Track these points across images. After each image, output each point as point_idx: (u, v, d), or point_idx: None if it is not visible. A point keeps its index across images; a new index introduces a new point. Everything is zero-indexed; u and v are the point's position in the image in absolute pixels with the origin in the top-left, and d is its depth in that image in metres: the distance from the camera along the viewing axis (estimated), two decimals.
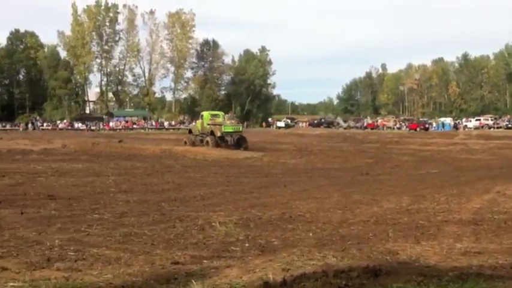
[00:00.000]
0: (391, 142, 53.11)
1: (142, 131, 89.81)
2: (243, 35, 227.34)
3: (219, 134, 39.60)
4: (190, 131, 45.51)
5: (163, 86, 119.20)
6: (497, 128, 79.38)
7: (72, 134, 73.09)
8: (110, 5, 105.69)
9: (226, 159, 30.42)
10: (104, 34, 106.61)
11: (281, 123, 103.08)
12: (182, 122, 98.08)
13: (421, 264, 7.62)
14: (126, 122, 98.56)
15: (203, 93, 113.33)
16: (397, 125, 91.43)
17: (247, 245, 9.10)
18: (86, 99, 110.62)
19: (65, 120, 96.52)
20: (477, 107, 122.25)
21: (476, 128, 79.85)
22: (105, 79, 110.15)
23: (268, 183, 19.34)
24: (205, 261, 7.91)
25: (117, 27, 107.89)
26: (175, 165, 26.71)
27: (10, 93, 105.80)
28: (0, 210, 12.38)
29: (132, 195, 15.42)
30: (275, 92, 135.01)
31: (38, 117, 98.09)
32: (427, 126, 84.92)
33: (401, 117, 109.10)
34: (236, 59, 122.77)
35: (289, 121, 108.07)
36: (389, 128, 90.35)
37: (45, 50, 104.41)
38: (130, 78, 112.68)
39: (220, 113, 47.07)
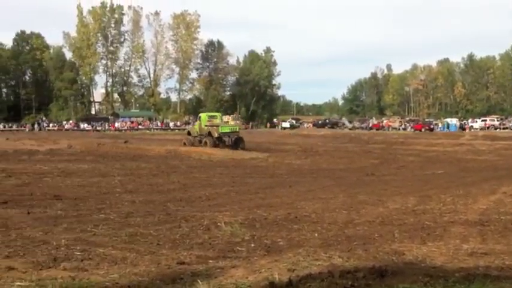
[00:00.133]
0: (396, 143, 53.01)
1: (148, 131, 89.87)
2: (248, 36, 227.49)
3: (216, 135, 40.23)
4: (189, 133, 46.02)
5: (169, 87, 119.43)
6: (504, 128, 79.09)
7: (78, 134, 73.20)
8: (115, 6, 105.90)
9: (231, 160, 30.44)
10: (109, 35, 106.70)
11: (286, 124, 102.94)
12: (187, 123, 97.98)
13: (427, 265, 7.60)
14: (132, 122, 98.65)
15: (208, 94, 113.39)
16: (402, 126, 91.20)
17: (252, 245, 9.10)
18: (92, 100, 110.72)
19: (70, 121, 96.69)
20: (483, 107, 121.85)
21: (482, 128, 79.59)
22: (110, 80, 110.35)
23: (273, 184, 19.35)
24: (211, 261, 7.92)
25: (122, 29, 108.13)
26: (180, 165, 26.74)
27: (16, 94, 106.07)
28: (7, 210, 12.44)
29: (137, 196, 15.45)
30: (280, 92, 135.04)
31: (44, 118, 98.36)
32: (432, 126, 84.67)
33: (407, 118, 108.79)
34: (241, 59, 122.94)
35: (294, 122, 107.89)
36: (395, 128, 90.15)
37: (51, 51, 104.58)
38: (135, 79, 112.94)
39: (218, 114, 48.15)
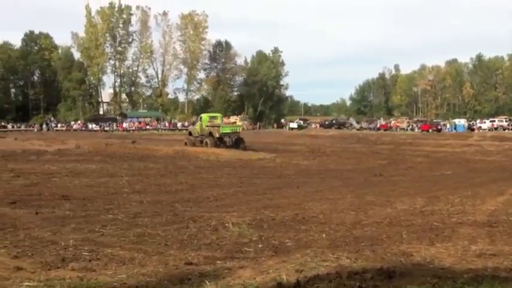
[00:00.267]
0: (404, 143, 52.86)
1: (156, 131, 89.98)
2: (255, 36, 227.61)
3: (217, 135, 40.58)
4: (190, 133, 46.40)
5: (176, 87, 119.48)
6: None
7: (86, 134, 73.38)
8: (123, 6, 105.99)
9: (238, 160, 30.44)
10: (118, 35, 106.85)
11: (294, 125, 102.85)
12: (195, 123, 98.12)
13: (435, 266, 7.58)
14: (140, 123, 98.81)
15: (216, 94, 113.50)
16: (410, 127, 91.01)
17: (260, 245, 9.10)
18: (100, 100, 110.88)
19: (79, 121, 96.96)
20: (491, 108, 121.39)
21: (490, 129, 79.29)
22: (118, 80, 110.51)
23: (281, 184, 19.34)
24: (218, 261, 7.92)
25: (131, 29, 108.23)
26: (188, 166, 26.76)
27: (25, 94, 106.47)
28: (16, 210, 12.49)
29: (145, 196, 15.48)
30: (288, 93, 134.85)
31: (52, 118, 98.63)
32: (439, 127, 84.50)
33: (415, 119, 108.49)
34: (249, 60, 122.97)
35: (301, 122, 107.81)
36: (403, 129, 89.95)
37: (59, 51, 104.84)
38: (143, 80, 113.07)
39: (218, 115, 48.40)
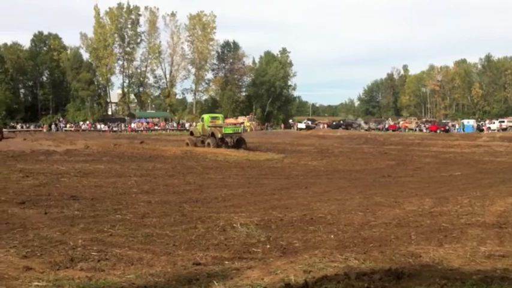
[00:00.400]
0: (413, 144, 52.73)
1: (164, 132, 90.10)
2: (263, 37, 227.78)
3: (219, 136, 41.02)
4: (191, 133, 46.79)
5: (184, 88, 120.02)
6: None
7: (95, 135, 73.62)
8: (131, 7, 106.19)
9: (247, 161, 30.44)
10: (126, 36, 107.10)
11: (302, 125, 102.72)
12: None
13: (444, 267, 7.56)
14: (148, 123, 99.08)
15: (224, 94, 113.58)
16: (418, 127, 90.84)
17: (268, 246, 9.10)
18: (108, 100, 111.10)
19: (87, 122, 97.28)
20: (500, 108, 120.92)
21: (499, 130, 78.98)
22: (127, 81, 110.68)
23: (289, 185, 19.33)
24: (226, 262, 7.93)
25: (139, 29, 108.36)
26: (196, 166, 26.78)
27: (34, 95, 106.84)
28: (25, 210, 12.55)
29: (153, 196, 15.51)
30: (296, 93, 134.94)
31: (61, 119, 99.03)
32: (447, 128, 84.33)
33: (423, 119, 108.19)
34: (257, 60, 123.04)
35: (309, 123, 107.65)
36: (411, 129, 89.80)
37: (68, 52, 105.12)
38: (151, 80, 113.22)
39: (220, 116, 48.84)
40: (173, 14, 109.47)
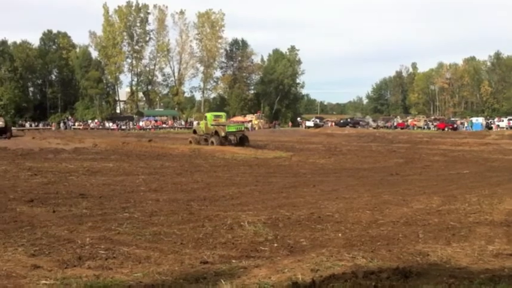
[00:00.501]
0: (421, 142, 52.56)
1: (172, 130, 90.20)
2: (272, 35, 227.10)
3: (223, 134, 41.33)
4: (194, 131, 47.29)
5: (193, 86, 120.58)
6: None
7: (103, 133, 73.83)
8: (140, 5, 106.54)
9: (255, 159, 30.43)
10: (135, 34, 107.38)
11: (310, 123, 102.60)
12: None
13: (452, 266, 7.54)
14: (156, 121, 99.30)
15: (232, 92, 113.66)
16: (426, 125, 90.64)
17: (276, 245, 9.11)
18: (117, 98, 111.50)
19: (96, 120, 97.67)
20: (510, 106, 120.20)
21: (508, 127, 78.67)
22: (135, 79, 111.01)
23: (297, 183, 19.31)
24: (234, 260, 7.94)
25: (148, 28, 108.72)
26: (204, 164, 26.81)
27: (43, 93, 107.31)
28: (33, 208, 12.60)
29: (161, 194, 15.54)
30: (304, 91, 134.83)
31: (69, 117, 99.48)
32: (455, 126, 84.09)
33: (432, 117, 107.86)
34: (265, 58, 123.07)
35: (318, 121, 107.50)
36: (420, 127, 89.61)
37: (77, 50, 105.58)
38: (160, 78, 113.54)
39: (223, 114, 49.45)
40: (182, 12, 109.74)
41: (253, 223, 10.75)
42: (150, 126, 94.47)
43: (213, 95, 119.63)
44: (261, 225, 10.57)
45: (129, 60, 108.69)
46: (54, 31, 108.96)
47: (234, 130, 42.54)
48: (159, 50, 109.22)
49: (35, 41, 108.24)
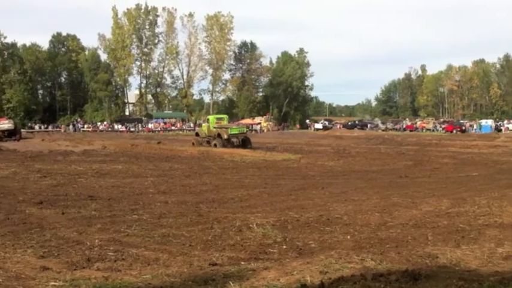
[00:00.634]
0: (430, 144, 52.39)
1: (181, 132, 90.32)
2: (280, 37, 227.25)
3: (225, 136, 41.83)
4: (197, 134, 47.96)
5: (202, 88, 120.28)
6: None
7: (112, 135, 74.01)
8: (149, 8, 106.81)
9: (263, 161, 30.43)
10: (144, 37, 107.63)
11: (319, 125, 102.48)
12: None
13: (461, 269, 7.51)
14: (165, 123, 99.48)
15: (241, 95, 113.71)
16: (435, 127, 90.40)
17: (284, 247, 9.10)
18: (126, 101, 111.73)
19: (105, 122, 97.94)
20: None
21: None
22: (144, 81, 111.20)
23: (305, 185, 19.29)
24: (242, 262, 7.93)
25: (157, 30, 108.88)
26: (213, 166, 26.83)
27: (52, 96, 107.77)
28: (42, 210, 12.65)
29: (170, 196, 15.56)
30: (313, 94, 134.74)
31: (79, 119, 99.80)
32: (463, 128, 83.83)
33: (441, 119, 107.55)
34: (274, 61, 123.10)
35: (326, 123, 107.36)
36: (429, 130, 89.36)
37: (86, 52, 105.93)
38: (169, 81, 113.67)
39: (225, 117, 49.61)
40: (191, 15, 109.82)
41: (262, 225, 10.75)
42: (158, 129, 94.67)
43: (221, 98, 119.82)
44: (269, 227, 10.56)
45: (138, 63, 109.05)
46: (64, 34, 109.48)
47: (237, 132, 42.96)
48: (168, 53, 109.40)
49: (44, 43, 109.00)
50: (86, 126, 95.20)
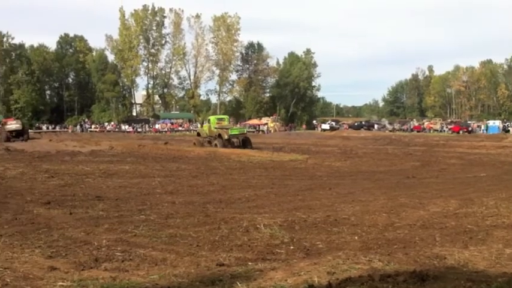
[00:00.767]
0: (437, 145, 52.25)
1: (188, 133, 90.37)
2: (287, 37, 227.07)
3: (226, 137, 42.29)
4: (198, 134, 48.70)
5: (209, 89, 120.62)
6: None
7: (119, 136, 74.18)
8: (156, 9, 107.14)
9: (270, 162, 30.40)
10: (151, 38, 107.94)
11: (326, 126, 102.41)
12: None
13: (469, 270, 7.48)
14: (172, 124, 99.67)
15: (248, 95, 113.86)
16: (442, 128, 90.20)
17: (292, 247, 9.09)
18: (133, 101, 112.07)
19: (112, 123, 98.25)
20: None
21: None
22: (151, 82, 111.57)
23: (313, 186, 19.27)
24: (250, 263, 7.93)
25: (164, 31, 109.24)
26: (220, 167, 26.83)
27: (60, 96, 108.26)
28: (50, 210, 12.68)
29: (177, 197, 15.57)
30: (320, 94, 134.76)
31: (86, 120, 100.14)
32: (470, 129, 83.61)
33: (448, 120, 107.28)
34: (281, 61, 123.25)
35: (333, 123, 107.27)
36: (436, 130, 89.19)
37: (94, 53, 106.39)
38: (176, 81, 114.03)
39: (225, 117, 49.76)
40: (198, 16, 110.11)
41: (269, 226, 10.74)
42: (166, 129, 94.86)
43: (228, 98, 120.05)
44: (277, 228, 10.55)
45: (145, 64, 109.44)
46: (71, 35, 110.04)
47: (237, 133, 43.51)
48: (175, 54, 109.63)
49: (51, 44, 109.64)
50: (93, 126, 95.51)
